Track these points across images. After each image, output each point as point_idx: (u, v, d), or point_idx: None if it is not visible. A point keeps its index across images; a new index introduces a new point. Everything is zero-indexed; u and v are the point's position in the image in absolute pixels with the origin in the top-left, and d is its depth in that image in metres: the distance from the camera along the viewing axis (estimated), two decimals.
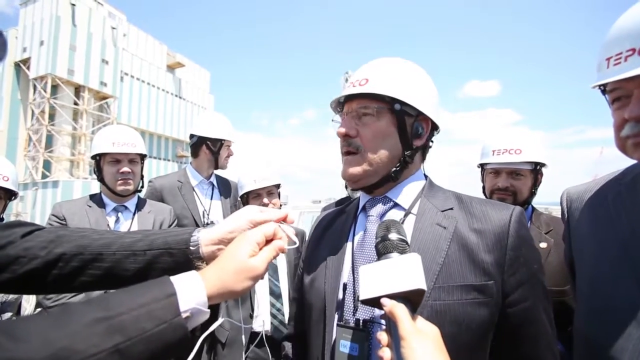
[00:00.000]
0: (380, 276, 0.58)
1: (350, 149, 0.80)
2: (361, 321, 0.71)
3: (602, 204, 0.82)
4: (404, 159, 0.80)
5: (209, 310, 0.52)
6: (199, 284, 0.52)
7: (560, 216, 1.12)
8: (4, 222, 0.68)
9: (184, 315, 0.48)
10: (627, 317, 0.70)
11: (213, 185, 2.43)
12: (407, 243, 0.63)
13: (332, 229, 0.92)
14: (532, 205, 1.57)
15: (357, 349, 0.69)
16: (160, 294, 0.49)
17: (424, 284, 0.55)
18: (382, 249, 0.62)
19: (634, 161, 0.77)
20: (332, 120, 0.90)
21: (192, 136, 2.36)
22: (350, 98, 0.82)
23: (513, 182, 1.49)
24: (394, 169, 0.80)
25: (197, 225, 2.23)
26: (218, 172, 2.51)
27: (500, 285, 0.70)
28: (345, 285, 0.78)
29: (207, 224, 2.26)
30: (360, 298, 0.60)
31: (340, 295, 0.77)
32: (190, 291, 0.51)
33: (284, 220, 0.71)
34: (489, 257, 0.70)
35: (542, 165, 1.51)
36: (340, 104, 0.87)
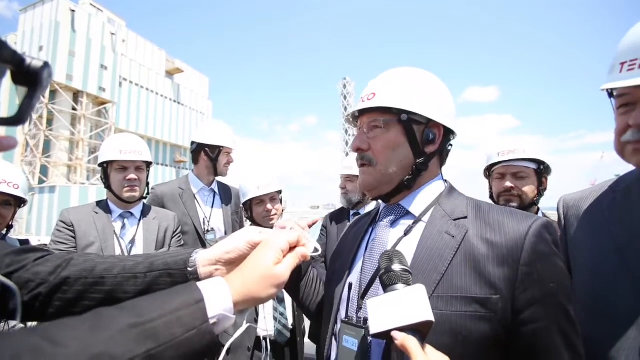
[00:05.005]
0: (388, 309, 0.60)
1: (364, 162, 0.84)
2: (362, 319, 0.75)
3: (597, 211, 0.86)
4: (416, 167, 0.81)
5: (234, 316, 0.52)
6: (225, 291, 0.53)
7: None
8: (20, 247, 0.67)
9: (211, 322, 0.49)
10: (623, 318, 0.73)
11: (214, 192, 2.45)
12: (410, 273, 0.64)
13: (354, 232, 0.96)
14: (543, 213, 1.60)
15: (356, 344, 0.73)
16: (189, 299, 0.49)
17: (432, 315, 0.57)
18: (387, 281, 0.64)
19: (632, 167, 0.80)
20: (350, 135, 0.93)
21: (192, 143, 2.40)
22: (362, 113, 0.85)
23: (517, 184, 1.54)
24: (407, 177, 0.81)
25: (198, 232, 2.26)
26: (220, 178, 2.52)
27: (509, 301, 0.65)
28: (350, 285, 0.82)
29: (208, 231, 2.27)
30: (371, 332, 0.61)
31: (346, 294, 0.82)
32: (217, 297, 0.51)
33: None
34: (498, 271, 0.67)
35: (546, 167, 1.56)
36: (356, 118, 0.89)
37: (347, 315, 0.79)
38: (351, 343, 0.74)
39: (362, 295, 0.78)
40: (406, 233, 0.79)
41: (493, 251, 0.69)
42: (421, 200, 0.82)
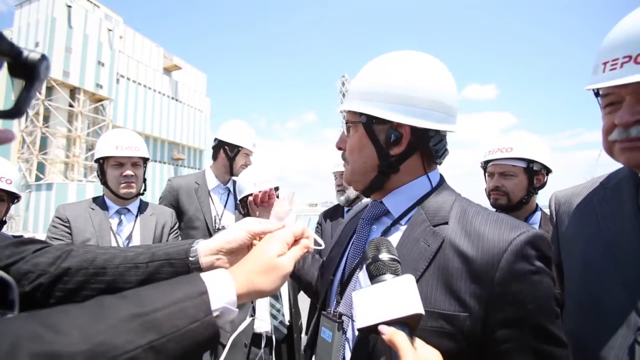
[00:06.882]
0: (375, 302, 0.56)
1: (343, 159, 0.86)
2: (338, 313, 0.76)
3: (588, 208, 0.86)
4: (380, 169, 0.77)
5: (237, 309, 0.52)
6: (229, 283, 0.52)
7: None
8: (18, 239, 0.68)
9: (214, 314, 0.48)
10: (614, 316, 0.74)
11: (229, 191, 2.43)
12: (398, 262, 0.61)
13: (348, 226, 0.97)
14: (541, 209, 1.59)
15: (331, 336, 0.75)
16: (193, 291, 0.48)
17: (422, 307, 0.54)
18: (374, 271, 0.59)
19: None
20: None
21: (215, 139, 2.41)
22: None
23: (504, 182, 1.54)
24: (373, 179, 0.78)
25: (208, 229, 2.25)
26: (236, 178, 2.52)
27: (479, 320, 0.61)
28: (332, 280, 0.84)
29: (218, 229, 2.25)
30: (357, 327, 0.58)
31: (330, 288, 0.85)
32: (221, 290, 0.51)
33: None
34: (471, 288, 0.62)
35: (540, 165, 1.53)
36: None
37: (326, 309, 0.82)
38: (327, 335, 0.76)
39: (340, 292, 0.79)
40: (383, 235, 0.77)
41: (467, 266, 0.63)
42: (402, 201, 0.77)
